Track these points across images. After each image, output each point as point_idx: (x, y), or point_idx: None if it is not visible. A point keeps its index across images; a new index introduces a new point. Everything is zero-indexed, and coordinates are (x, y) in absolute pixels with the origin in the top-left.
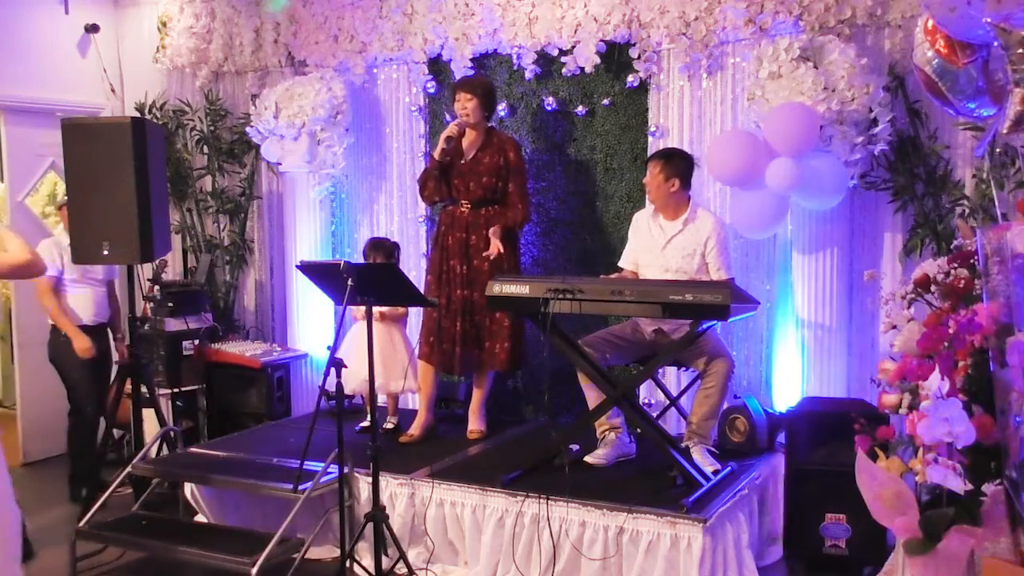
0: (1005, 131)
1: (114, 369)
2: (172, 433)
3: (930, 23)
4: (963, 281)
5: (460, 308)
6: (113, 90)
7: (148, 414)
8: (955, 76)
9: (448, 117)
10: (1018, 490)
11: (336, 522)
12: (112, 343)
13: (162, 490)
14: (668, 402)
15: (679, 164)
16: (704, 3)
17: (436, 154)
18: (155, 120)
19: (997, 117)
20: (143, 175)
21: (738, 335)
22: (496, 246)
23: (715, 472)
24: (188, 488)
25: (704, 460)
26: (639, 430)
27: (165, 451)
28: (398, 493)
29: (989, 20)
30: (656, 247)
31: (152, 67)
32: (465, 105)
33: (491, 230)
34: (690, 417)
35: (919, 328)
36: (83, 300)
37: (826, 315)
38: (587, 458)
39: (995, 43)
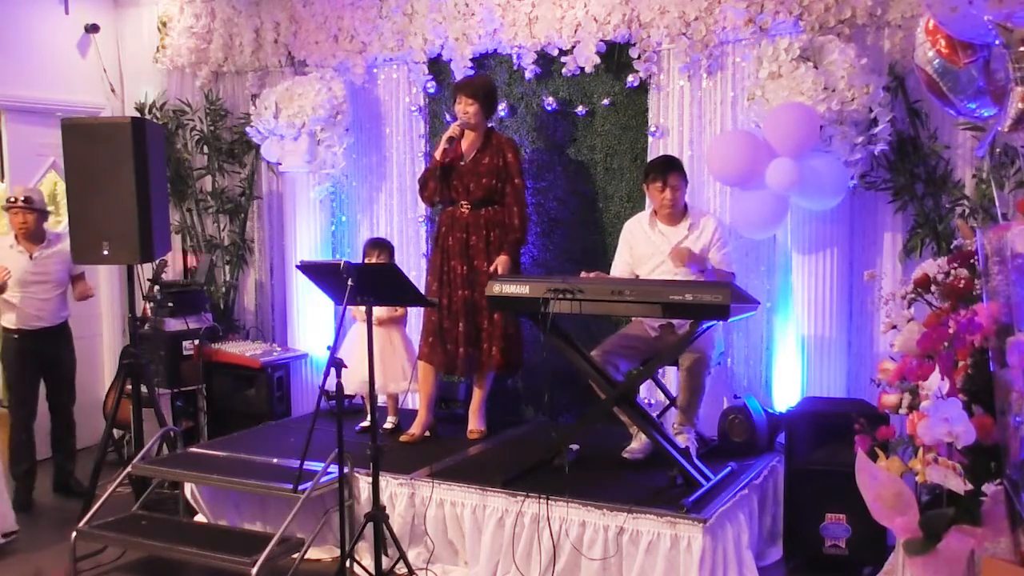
0: (1006, 129)
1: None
2: (172, 433)
3: (931, 23)
4: (963, 281)
5: (462, 309)
6: (113, 90)
7: (148, 414)
8: (956, 76)
9: (448, 117)
10: (1018, 490)
11: (336, 522)
12: (58, 348)
13: (162, 490)
14: (668, 402)
15: (684, 169)
16: (704, 3)
17: (438, 155)
18: (155, 120)
19: (998, 117)
20: (143, 175)
21: (738, 335)
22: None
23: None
24: (188, 488)
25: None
26: (632, 430)
27: (165, 451)
28: (398, 493)
29: (990, 18)
30: (660, 253)
31: (152, 67)
32: (467, 109)
33: (500, 261)
34: (677, 402)
35: (919, 328)
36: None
37: (826, 315)
38: (624, 453)
39: (996, 42)
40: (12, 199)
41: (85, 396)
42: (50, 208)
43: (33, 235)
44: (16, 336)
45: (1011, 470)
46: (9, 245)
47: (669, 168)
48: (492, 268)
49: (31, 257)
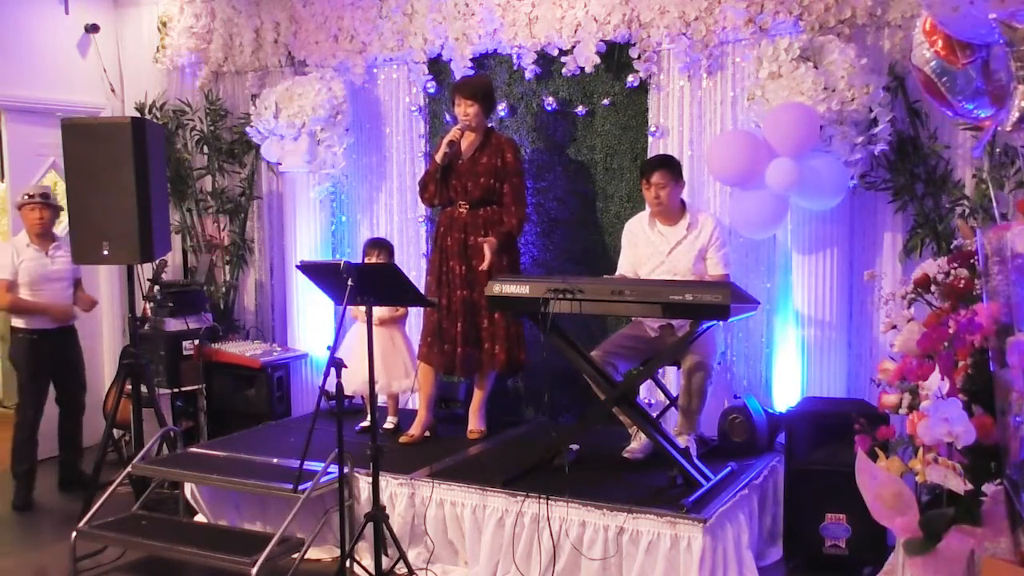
0: (1009, 128)
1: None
2: (172, 433)
3: (929, 23)
4: (963, 281)
5: (460, 309)
6: (113, 90)
7: (148, 414)
8: (954, 77)
9: (448, 117)
10: (1018, 490)
11: (336, 522)
12: (70, 347)
13: (162, 490)
14: (668, 402)
15: (679, 168)
16: (704, 3)
17: (438, 158)
18: (155, 120)
19: (995, 117)
20: (143, 175)
21: (738, 335)
22: (488, 260)
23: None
24: (188, 488)
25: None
26: (632, 430)
27: (165, 451)
28: (398, 493)
29: (995, 16)
30: (660, 253)
31: (152, 67)
32: (467, 111)
33: (487, 241)
34: (679, 404)
35: (919, 328)
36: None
37: (826, 315)
38: (624, 453)
39: (999, 41)
40: (30, 195)
41: (86, 395)
42: None
43: (47, 232)
44: (35, 337)
45: (1011, 470)
46: (26, 244)
47: (653, 167)
48: (479, 240)
49: (47, 254)
